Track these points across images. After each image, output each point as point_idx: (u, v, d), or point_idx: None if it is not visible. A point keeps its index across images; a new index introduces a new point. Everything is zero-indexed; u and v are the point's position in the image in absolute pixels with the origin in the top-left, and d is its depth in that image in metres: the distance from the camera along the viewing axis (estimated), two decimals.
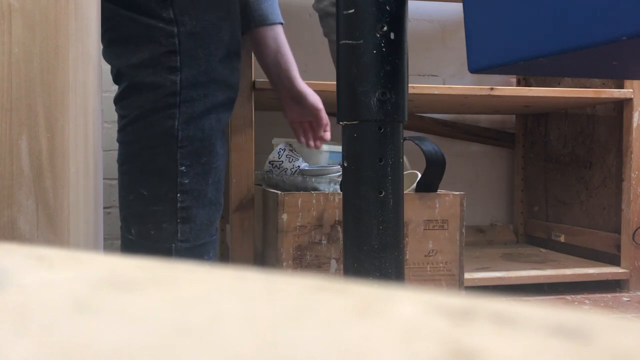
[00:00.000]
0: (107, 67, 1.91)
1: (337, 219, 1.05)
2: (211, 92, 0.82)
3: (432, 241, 1.08)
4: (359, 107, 0.58)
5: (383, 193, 0.58)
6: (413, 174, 1.19)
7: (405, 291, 0.15)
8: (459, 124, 2.01)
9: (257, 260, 1.31)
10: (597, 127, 1.72)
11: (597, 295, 1.50)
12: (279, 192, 1.05)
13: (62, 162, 0.60)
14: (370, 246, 0.58)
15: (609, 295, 1.50)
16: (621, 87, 1.58)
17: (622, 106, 1.58)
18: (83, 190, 0.71)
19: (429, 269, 1.08)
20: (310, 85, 1.37)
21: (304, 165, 1.21)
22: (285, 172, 1.18)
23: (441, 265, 1.09)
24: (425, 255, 1.08)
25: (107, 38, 0.82)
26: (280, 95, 1.16)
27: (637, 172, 1.54)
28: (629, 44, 0.39)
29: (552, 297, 1.49)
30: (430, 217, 1.08)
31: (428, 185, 1.10)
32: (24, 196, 0.55)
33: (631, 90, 1.54)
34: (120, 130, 0.83)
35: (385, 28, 0.57)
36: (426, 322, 0.13)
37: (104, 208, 1.75)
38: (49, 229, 0.57)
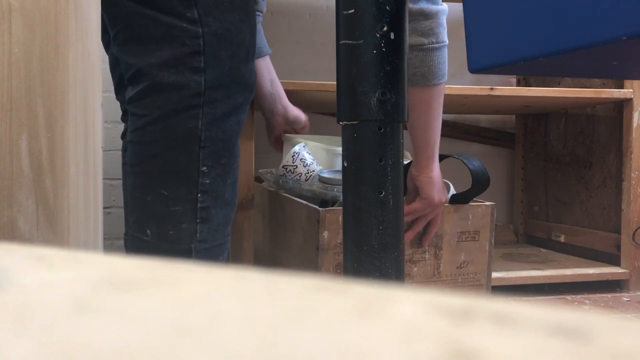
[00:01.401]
0: (107, 67, 1.90)
1: None
2: (233, 94, 0.82)
3: (464, 253, 1.08)
4: (359, 107, 0.58)
5: (383, 193, 0.58)
6: (444, 183, 1.16)
7: (405, 291, 0.15)
8: (459, 124, 2.01)
9: (261, 260, 1.30)
10: (597, 127, 1.72)
11: (597, 295, 1.50)
12: (318, 207, 0.99)
13: (62, 162, 0.60)
14: (370, 246, 0.58)
15: (609, 295, 1.50)
16: (621, 87, 1.58)
17: (622, 106, 1.58)
18: (83, 190, 0.71)
19: (460, 280, 1.08)
20: (310, 85, 1.37)
21: (318, 168, 1.15)
22: (300, 176, 1.13)
23: (471, 276, 1.09)
24: (458, 267, 1.08)
25: (122, 37, 0.81)
26: (273, 119, 1.20)
27: (637, 172, 1.54)
28: (629, 44, 0.39)
29: (552, 297, 1.49)
30: (463, 228, 1.08)
31: (465, 199, 1.09)
32: (24, 196, 0.55)
33: (631, 90, 1.54)
34: (135, 130, 0.83)
35: (385, 28, 0.57)
36: (426, 322, 0.13)
37: (104, 208, 1.75)
38: (49, 229, 0.57)
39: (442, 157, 1.07)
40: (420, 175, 0.98)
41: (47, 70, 0.57)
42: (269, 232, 1.26)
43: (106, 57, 1.68)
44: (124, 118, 1.12)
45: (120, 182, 1.77)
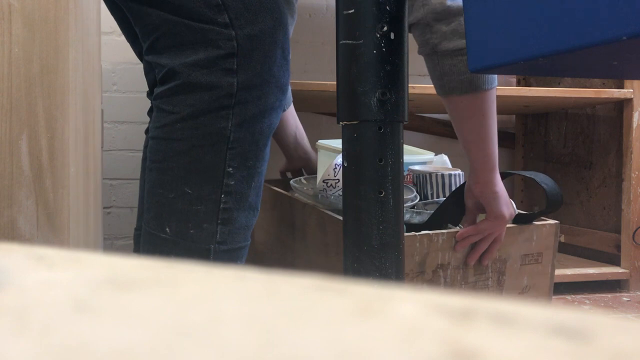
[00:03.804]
0: (107, 67, 1.89)
1: (439, 262, 0.91)
2: (264, 94, 0.82)
3: (527, 277, 1.01)
4: (359, 107, 0.58)
5: (383, 193, 0.58)
6: None
7: (405, 291, 0.15)
8: None
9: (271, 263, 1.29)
10: (597, 127, 1.72)
11: (597, 295, 1.50)
12: None
13: (62, 162, 0.60)
14: (370, 246, 0.58)
15: (609, 295, 1.50)
16: (621, 87, 1.58)
17: (622, 106, 1.58)
18: (83, 190, 0.71)
19: None
20: (310, 85, 1.37)
21: None
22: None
23: (533, 301, 1.02)
24: (519, 293, 1.01)
25: (161, 45, 0.82)
26: (293, 163, 1.27)
27: (637, 172, 1.54)
28: (629, 44, 0.39)
29: (552, 297, 1.49)
30: (527, 251, 0.99)
31: (529, 219, 1.00)
32: (24, 196, 0.55)
33: (631, 90, 1.54)
34: (163, 126, 0.82)
35: (385, 28, 0.57)
36: (426, 322, 0.13)
37: (104, 208, 1.75)
38: (49, 229, 0.57)
39: (506, 175, 0.98)
40: (484, 191, 0.91)
41: (47, 70, 0.57)
42: (296, 245, 1.15)
43: (106, 58, 1.68)
44: (150, 114, 1.12)
45: (120, 182, 1.77)
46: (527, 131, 2.05)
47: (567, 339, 0.12)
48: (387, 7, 0.57)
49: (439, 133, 1.98)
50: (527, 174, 0.99)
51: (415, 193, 1.05)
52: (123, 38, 1.69)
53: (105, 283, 0.16)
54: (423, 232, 0.90)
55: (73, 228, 0.64)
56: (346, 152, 0.60)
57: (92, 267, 0.18)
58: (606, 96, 1.54)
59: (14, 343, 0.12)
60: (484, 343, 0.12)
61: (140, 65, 1.81)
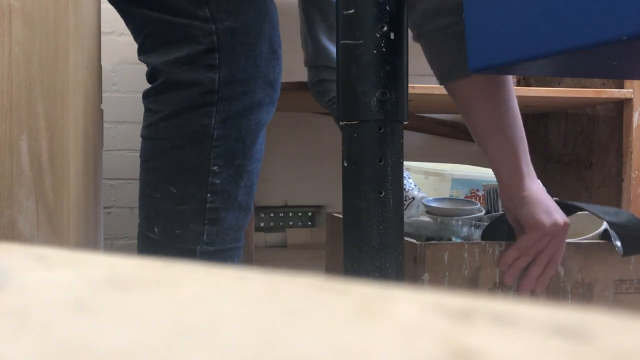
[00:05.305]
0: (107, 67, 1.90)
1: (497, 280, 0.77)
2: (250, 90, 0.80)
3: (624, 310, 0.81)
4: (359, 107, 0.58)
5: (383, 193, 0.58)
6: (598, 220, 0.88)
7: (405, 291, 0.15)
8: (459, 124, 2.01)
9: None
10: (597, 127, 1.72)
11: None
12: (413, 240, 0.78)
13: (62, 162, 0.60)
14: (370, 246, 0.58)
15: None
16: (621, 87, 1.58)
17: (622, 106, 1.58)
18: (83, 190, 0.71)
19: None
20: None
21: (420, 194, 0.97)
22: None
23: None
24: None
25: (150, 44, 0.81)
26: None
27: (637, 172, 1.54)
28: (629, 44, 0.39)
29: None
30: (622, 276, 0.81)
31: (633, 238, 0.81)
32: (24, 196, 0.55)
33: (631, 90, 1.54)
34: (149, 125, 0.82)
35: (385, 28, 0.57)
36: (426, 322, 0.13)
37: (104, 208, 1.75)
38: (49, 229, 0.57)
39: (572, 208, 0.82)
40: (512, 198, 0.76)
41: (47, 70, 0.57)
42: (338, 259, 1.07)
43: (106, 58, 1.68)
44: None
45: (120, 182, 1.77)
46: (527, 131, 2.04)
47: (567, 339, 0.12)
48: (387, 7, 0.57)
49: (439, 133, 1.98)
50: (590, 208, 0.82)
51: (478, 205, 0.95)
52: (123, 38, 1.69)
53: (105, 283, 0.16)
54: (473, 241, 0.78)
55: (73, 228, 0.64)
56: (346, 152, 0.60)
57: (92, 267, 0.18)
58: (606, 96, 1.54)
59: (14, 343, 0.12)
60: (484, 343, 0.12)
61: (141, 66, 1.81)
